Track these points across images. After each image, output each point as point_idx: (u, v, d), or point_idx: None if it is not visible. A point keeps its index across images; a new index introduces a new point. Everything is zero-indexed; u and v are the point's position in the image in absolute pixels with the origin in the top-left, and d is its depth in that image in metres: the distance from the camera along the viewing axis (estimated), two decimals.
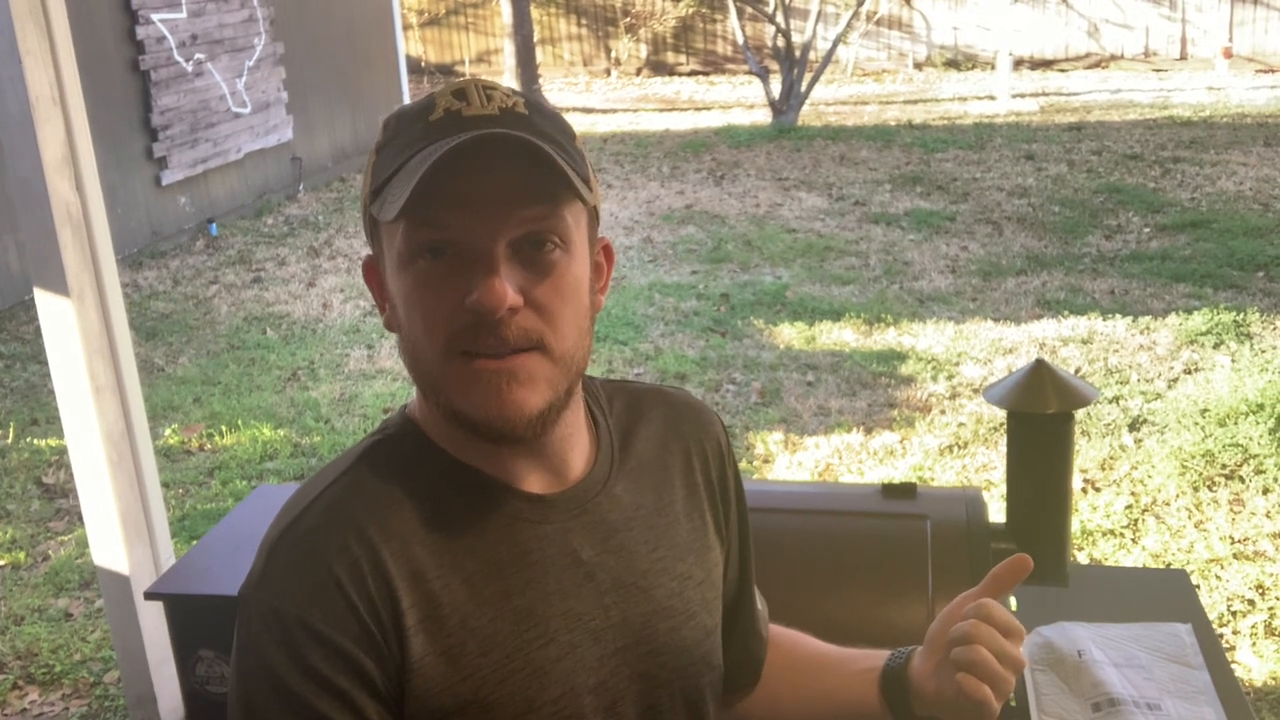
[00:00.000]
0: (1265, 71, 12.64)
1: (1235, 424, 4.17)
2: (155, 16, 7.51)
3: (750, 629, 1.22)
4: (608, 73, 14.80)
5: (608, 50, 14.93)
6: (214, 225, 7.93)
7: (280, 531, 0.97)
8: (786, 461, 4.17)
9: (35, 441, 4.70)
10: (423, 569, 0.95)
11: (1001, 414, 4.52)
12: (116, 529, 2.58)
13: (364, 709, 0.91)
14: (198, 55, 7.97)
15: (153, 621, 2.63)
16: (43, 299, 2.49)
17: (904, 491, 1.67)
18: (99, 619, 3.40)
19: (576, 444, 1.04)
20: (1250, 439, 4.05)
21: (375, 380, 5.17)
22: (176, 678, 1.96)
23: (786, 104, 10.79)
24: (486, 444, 0.98)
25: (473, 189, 0.91)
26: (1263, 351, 4.87)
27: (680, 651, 1.05)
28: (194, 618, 1.88)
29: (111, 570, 2.61)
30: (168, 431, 4.69)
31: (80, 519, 3.41)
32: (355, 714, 0.91)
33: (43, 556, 3.85)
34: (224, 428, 4.69)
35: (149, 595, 1.91)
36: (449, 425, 0.98)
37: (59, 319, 2.49)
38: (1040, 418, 1.59)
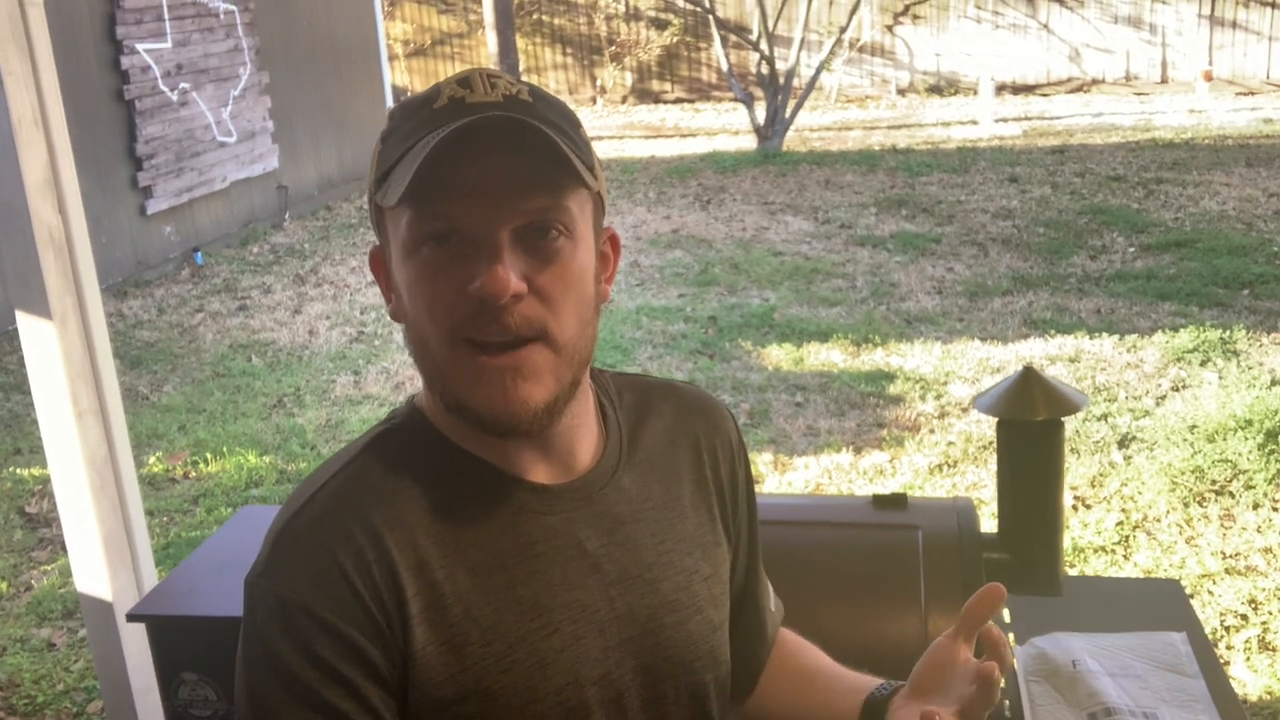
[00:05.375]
0: (1245, 94, 12.77)
1: (1224, 440, 4.17)
2: (140, 46, 7.52)
3: (754, 629, 1.21)
4: (594, 101, 14.86)
5: (593, 79, 14.99)
6: (199, 254, 7.91)
7: (286, 520, 0.97)
8: (776, 482, 4.15)
9: (18, 471, 4.66)
10: (427, 558, 0.94)
11: (991, 433, 4.51)
12: (99, 555, 2.55)
13: (369, 697, 0.91)
14: (183, 85, 7.97)
15: (136, 648, 2.59)
16: (24, 322, 2.46)
17: (895, 502, 1.66)
18: (82, 649, 3.35)
19: (584, 435, 1.04)
20: (1239, 454, 4.05)
21: (361, 406, 5.14)
22: (160, 704, 1.93)
23: (771, 130, 10.84)
24: (492, 436, 0.97)
25: (476, 176, 0.91)
26: (1249, 368, 4.89)
27: (686, 645, 1.05)
28: (177, 640, 1.85)
29: (94, 597, 2.58)
30: (152, 459, 4.65)
31: (63, 548, 3.37)
32: (360, 702, 0.91)
33: (25, 586, 3.80)
34: (209, 455, 4.66)
35: (131, 617, 1.88)
36: (454, 416, 0.98)
37: (41, 343, 2.47)
38: (1030, 425, 1.58)
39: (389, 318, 1.02)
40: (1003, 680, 0.96)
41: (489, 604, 0.95)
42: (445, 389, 0.96)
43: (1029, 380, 1.58)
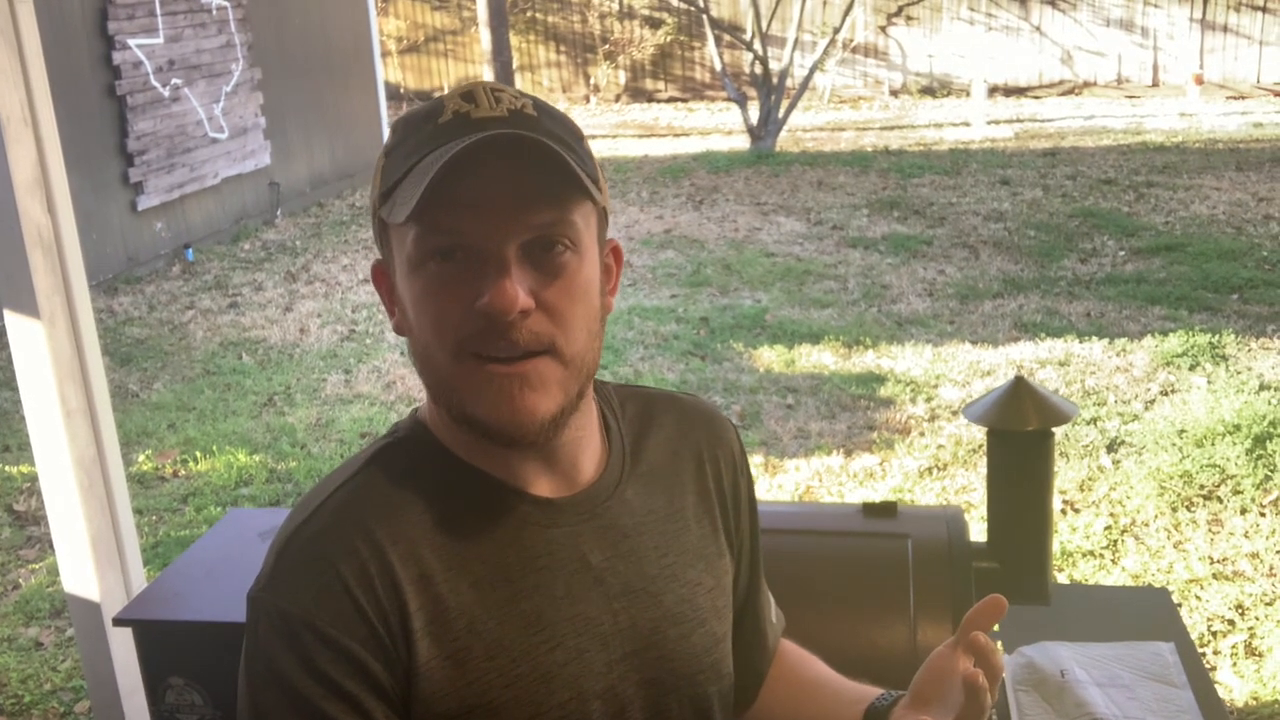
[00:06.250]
0: (1236, 98, 12.81)
1: (1212, 445, 4.18)
2: (132, 42, 7.49)
3: (755, 641, 1.21)
4: (587, 99, 14.85)
5: (587, 77, 14.98)
6: (190, 251, 7.88)
7: (289, 534, 0.96)
8: (767, 484, 4.15)
9: (6, 468, 4.64)
10: (430, 572, 0.94)
11: (980, 436, 4.50)
12: (87, 555, 2.54)
13: (372, 712, 0.91)
14: (175, 80, 7.95)
15: (123, 650, 2.58)
16: (13, 322, 2.45)
17: (885, 510, 1.66)
18: (70, 648, 3.34)
19: (587, 448, 1.04)
20: (1227, 459, 4.07)
21: (352, 405, 5.13)
22: (147, 707, 1.92)
23: (764, 130, 10.85)
24: (497, 448, 0.97)
25: (483, 192, 0.91)
26: (1238, 373, 4.90)
27: (689, 658, 1.05)
28: (164, 644, 1.85)
29: (82, 597, 2.57)
30: (141, 458, 4.63)
31: (51, 547, 3.36)
32: (363, 717, 0.91)
33: (13, 585, 3.78)
34: (199, 454, 4.64)
35: (118, 621, 1.87)
36: (459, 428, 0.98)
37: (29, 342, 2.46)
38: (1020, 435, 1.58)
39: (393, 332, 1.01)
40: (993, 692, 0.96)
41: (492, 618, 0.95)
42: (451, 401, 0.96)
43: (1019, 390, 1.58)
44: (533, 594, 0.97)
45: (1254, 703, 2.88)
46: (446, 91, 0.98)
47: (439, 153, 0.90)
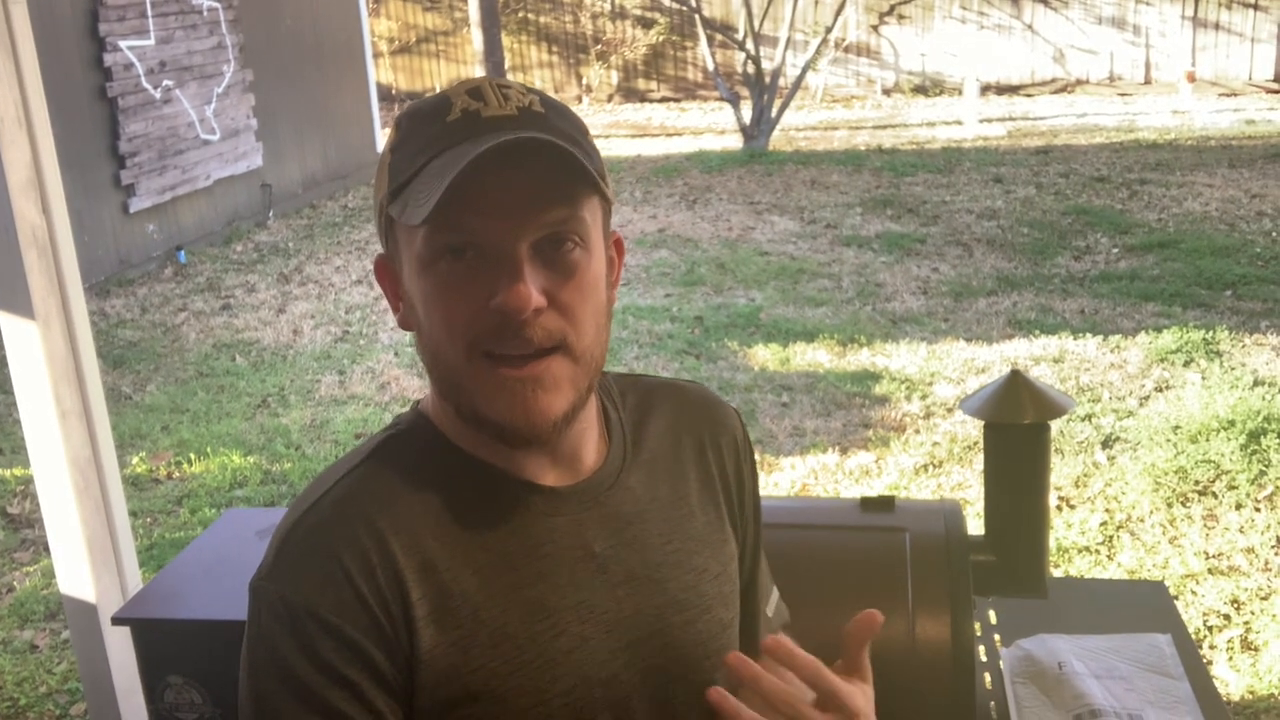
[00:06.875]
0: (1228, 95, 12.84)
1: (1207, 440, 4.19)
2: (123, 43, 7.48)
3: (748, 633, 1.20)
4: (579, 100, 14.84)
5: (579, 77, 14.98)
6: (182, 252, 7.87)
7: (291, 524, 0.97)
8: (762, 482, 4.15)
9: (0, 471, 4.63)
10: (433, 561, 0.95)
11: (976, 433, 4.50)
12: (83, 556, 2.53)
13: (373, 700, 0.92)
14: (166, 82, 7.93)
15: (120, 650, 2.58)
16: (7, 323, 2.45)
17: (882, 504, 1.66)
18: (66, 650, 3.33)
19: (589, 437, 1.04)
20: (1222, 455, 4.08)
21: (347, 406, 5.13)
22: (145, 707, 1.92)
23: (757, 129, 10.85)
24: (509, 447, 0.98)
25: (496, 192, 0.91)
26: (1232, 369, 4.92)
27: (694, 645, 1.05)
28: (162, 643, 1.84)
29: (78, 599, 2.56)
30: (135, 460, 4.62)
31: (46, 549, 3.35)
32: (364, 705, 0.91)
33: (7, 588, 3.77)
34: (193, 455, 4.63)
35: (116, 620, 1.87)
36: (467, 425, 0.98)
37: (24, 343, 2.45)
38: (1017, 428, 1.59)
39: (399, 326, 1.02)
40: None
41: (497, 605, 0.96)
42: (462, 400, 0.96)
43: (1016, 383, 1.58)
44: (536, 582, 0.97)
45: (1250, 697, 2.89)
46: (450, 86, 0.97)
47: (453, 154, 0.90)
